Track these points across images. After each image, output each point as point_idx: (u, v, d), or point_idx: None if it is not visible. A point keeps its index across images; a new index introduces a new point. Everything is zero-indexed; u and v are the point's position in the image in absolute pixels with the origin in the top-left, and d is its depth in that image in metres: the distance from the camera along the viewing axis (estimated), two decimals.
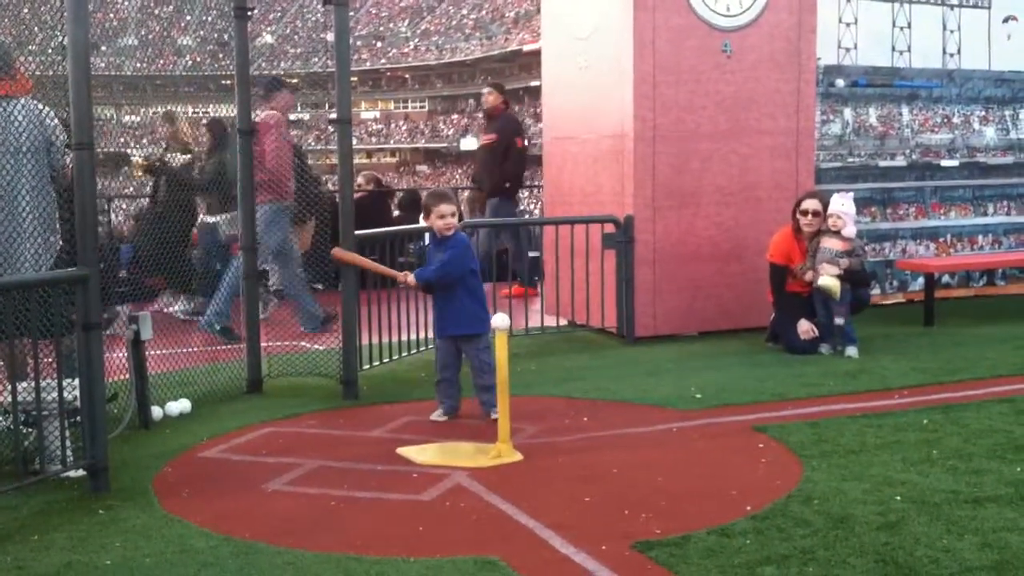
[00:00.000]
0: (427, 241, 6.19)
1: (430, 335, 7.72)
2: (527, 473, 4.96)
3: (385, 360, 7.38)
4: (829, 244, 7.58)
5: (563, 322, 8.81)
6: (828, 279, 7.49)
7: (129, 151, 6.82)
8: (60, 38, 4.75)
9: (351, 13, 7.18)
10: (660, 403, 6.23)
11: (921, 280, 9.42)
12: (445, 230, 5.98)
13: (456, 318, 5.98)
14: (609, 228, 8.22)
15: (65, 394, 4.71)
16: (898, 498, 4.39)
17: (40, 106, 5.27)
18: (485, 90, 11.54)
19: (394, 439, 5.58)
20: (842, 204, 7.61)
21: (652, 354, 7.76)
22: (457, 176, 68.42)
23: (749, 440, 5.41)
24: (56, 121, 5.31)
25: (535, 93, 55.47)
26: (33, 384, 4.65)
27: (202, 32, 7.61)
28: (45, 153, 5.36)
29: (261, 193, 7.92)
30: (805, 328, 7.60)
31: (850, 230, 7.58)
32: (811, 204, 7.72)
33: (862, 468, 4.82)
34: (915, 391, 6.40)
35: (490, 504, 4.50)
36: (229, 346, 7.66)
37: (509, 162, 11.05)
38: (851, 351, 7.48)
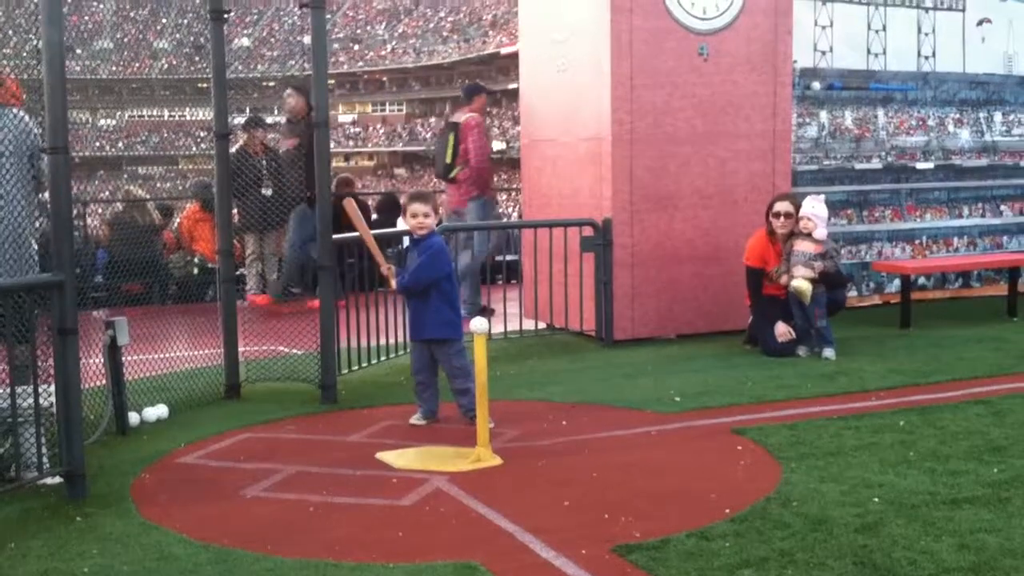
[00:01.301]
0: (405, 244, 6.14)
1: (408, 339, 7.72)
2: (507, 477, 4.95)
3: (364, 364, 7.36)
4: (802, 247, 7.61)
5: (541, 325, 8.82)
6: (799, 282, 7.53)
7: None
8: (34, 41, 4.72)
9: (328, 16, 7.17)
10: (639, 406, 6.24)
11: (897, 282, 9.48)
12: (418, 229, 5.95)
13: (428, 322, 5.96)
14: (587, 231, 8.23)
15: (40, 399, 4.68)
16: (876, 500, 4.41)
17: (22, 114, 5.23)
18: (287, 92, 10.29)
19: (373, 444, 5.57)
20: (812, 207, 7.65)
21: (630, 357, 7.77)
22: (435, 179, 68.35)
23: (728, 442, 5.42)
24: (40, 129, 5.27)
25: (513, 96, 55.53)
26: (8, 390, 4.62)
27: (178, 35, 7.58)
28: (28, 159, 5.33)
29: (469, 188, 9.65)
30: (782, 330, 7.63)
31: (821, 232, 7.62)
32: (783, 206, 7.76)
33: (840, 470, 4.85)
34: (892, 393, 6.44)
35: (470, 508, 4.49)
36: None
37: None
38: (828, 353, 7.52)
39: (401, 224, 11.33)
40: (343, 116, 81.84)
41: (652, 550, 3.89)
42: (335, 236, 6.83)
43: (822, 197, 7.87)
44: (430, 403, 6.03)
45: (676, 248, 8.38)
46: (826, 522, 4.15)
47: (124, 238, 7.99)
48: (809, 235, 7.60)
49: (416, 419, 6.01)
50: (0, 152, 5.00)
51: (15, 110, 5.15)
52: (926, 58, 10.24)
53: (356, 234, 6.30)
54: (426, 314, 5.96)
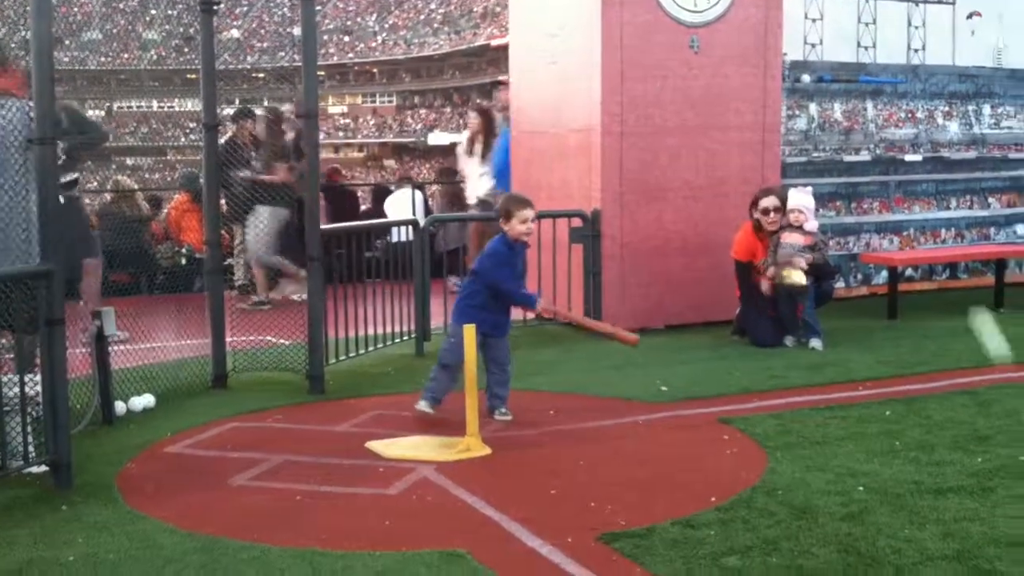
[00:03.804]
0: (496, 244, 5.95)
1: (396, 329, 7.73)
2: (494, 466, 4.96)
3: (352, 355, 7.36)
4: (791, 239, 7.61)
5: (530, 316, 8.81)
6: (797, 274, 7.51)
7: None
8: (23, 32, 4.70)
9: (318, 7, 7.16)
10: (627, 396, 6.25)
11: (885, 273, 9.50)
12: (526, 235, 5.91)
13: (504, 320, 5.96)
14: (577, 223, 8.23)
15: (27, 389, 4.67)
16: (861, 489, 4.43)
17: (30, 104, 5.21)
18: None
19: (360, 433, 5.56)
20: (801, 199, 7.66)
21: (619, 348, 7.75)
22: (424, 171, 68.22)
23: (715, 432, 5.44)
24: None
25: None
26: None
27: (167, 26, 7.56)
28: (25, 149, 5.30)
29: None
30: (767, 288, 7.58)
31: (811, 224, 7.65)
32: (770, 201, 7.74)
33: (826, 459, 4.86)
34: (878, 383, 6.46)
35: (457, 498, 4.50)
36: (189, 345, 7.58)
37: None
38: (815, 343, 7.53)
39: (392, 213, 11.37)
40: (333, 108, 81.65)
41: (637, 538, 3.90)
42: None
43: (809, 189, 7.89)
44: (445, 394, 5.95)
45: (666, 239, 8.38)
46: (811, 511, 4.16)
47: (112, 228, 7.97)
48: (800, 227, 7.61)
49: (425, 407, 5.89)
50: (10, 142, 4.97)
51: (15, 99, 5.12)
52: (916, 51, 10.28)
53: (341, 225, 6.27)
54: (503, 313, 5.94)
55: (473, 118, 11.05)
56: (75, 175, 8.16)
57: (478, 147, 10.47)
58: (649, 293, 8.40)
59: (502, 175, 9.90)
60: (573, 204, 8.36)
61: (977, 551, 3.72)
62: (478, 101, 11.67)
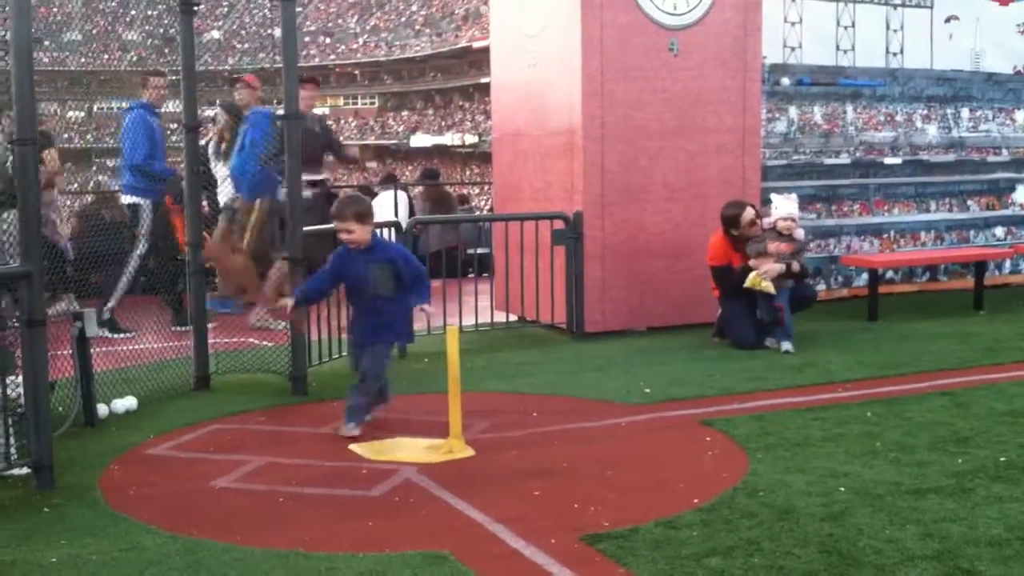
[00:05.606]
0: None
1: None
2: (477, 468, 4.97)
3: (334, 356, 7.35)
4: (776, 248, 7.59)
5: (513, 318, 8.83)
6: (766, 284, 7.50)
7: None
8: (2, 33, 4.69)
9: (299, 9, 7.17)
10: (609, 398, 6.27)
11: (865, 276, 9.56)
12: (350, 244, 5.59)
13: (398, 324, 5.88)
14: (558, 224, 8.26)
15: (8, 391, 4.65)
16: (842, 489, 4.46)
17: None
18: None
19: (343, 435, 5.56)
20: (789, 208, 7.70)
21: (601, 350, 7.81)
22: (407, 173, 68.23)
23: (696, 434, 5.46)
24: None
25: (485, 90, 55.44)
26: None
27: (148, 27, 7.53)
28: None
29: None
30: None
31: (799, 232, 7.71)
32: (750, 213, 7.75)
33: (806, 460, 4.90)
34: (859, 384, 6.50)
35: (440, 499, 4.51)
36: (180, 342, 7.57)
37: None
38: (786, 345, 7.54)
39: (377, 215, 11.37)
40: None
41: (620, 539, 3.92)
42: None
43: (793, 196, 7.93)
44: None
45: (647, 241, 8.41)
46: (792, 511, 4.19)
47: (93, 229, 7.94)
48: (788, 235, 7.64)
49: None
50: None
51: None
52: (894, 54, 10.33)
53: (323, 227, 6.26)
54: (361, 320, 5.76)
55: (221, 115, 10.65)
56: (325, 175, 8.36)
57: (224, 147, 10.10)
58: (631, 295, 8.42)
59: (238, 178, 9.58)
60: (555, 206, 8.38)
61: (957, 551, 3.75)
62: (227, 98, 11.25)
